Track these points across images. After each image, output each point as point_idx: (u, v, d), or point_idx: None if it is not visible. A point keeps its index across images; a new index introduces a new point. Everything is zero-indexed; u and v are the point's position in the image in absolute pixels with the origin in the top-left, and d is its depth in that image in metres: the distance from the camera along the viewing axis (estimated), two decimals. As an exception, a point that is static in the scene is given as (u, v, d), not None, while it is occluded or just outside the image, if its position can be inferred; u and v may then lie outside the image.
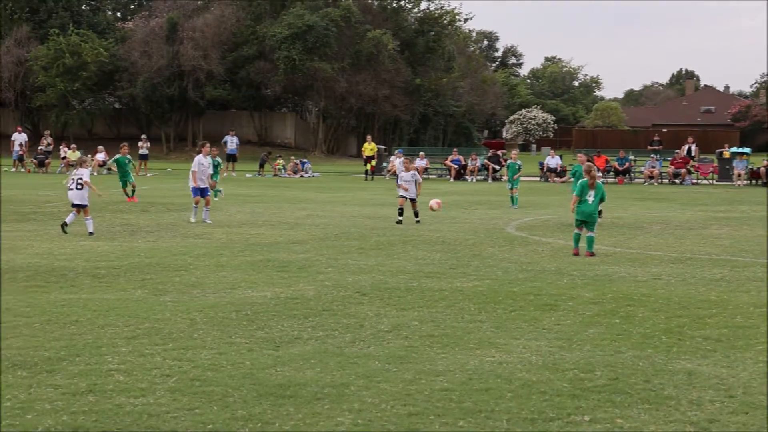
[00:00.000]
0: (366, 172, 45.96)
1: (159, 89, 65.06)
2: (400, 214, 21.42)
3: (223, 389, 7.28)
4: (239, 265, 14.18)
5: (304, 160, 51.19)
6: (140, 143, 47.70)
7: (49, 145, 49.26)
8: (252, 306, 10.82)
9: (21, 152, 48.25)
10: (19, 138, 49.05)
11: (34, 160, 47.77)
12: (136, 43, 65.61)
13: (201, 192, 21.07)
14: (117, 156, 29.01)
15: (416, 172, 22.51)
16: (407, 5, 74.76)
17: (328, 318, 10.22)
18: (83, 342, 8.83)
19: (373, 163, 46.09)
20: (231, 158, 48.19)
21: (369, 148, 46.64)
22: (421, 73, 72.54)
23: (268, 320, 10.04)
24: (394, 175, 47.84)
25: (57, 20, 68.14)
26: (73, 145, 49.83)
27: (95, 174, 45.74)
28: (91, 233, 17.96)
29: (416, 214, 21.58)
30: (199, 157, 21.39)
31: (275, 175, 47.63)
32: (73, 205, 18.44)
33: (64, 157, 48.01)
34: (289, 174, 47.66)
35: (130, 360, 8.17)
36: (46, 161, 47.38)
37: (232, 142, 48.91)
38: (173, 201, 27.44)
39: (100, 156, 47.90)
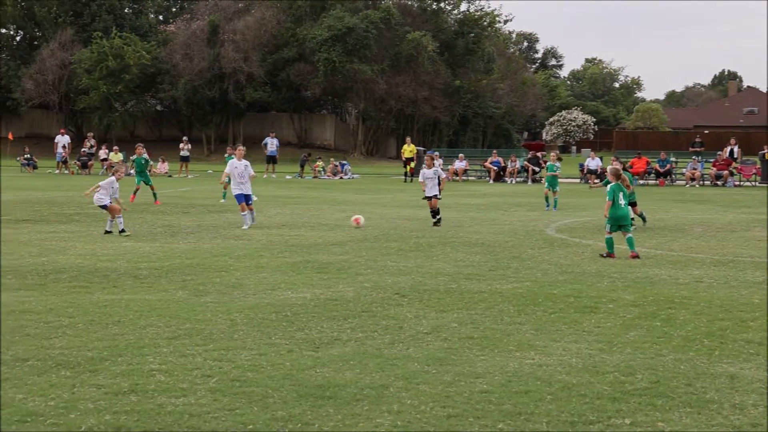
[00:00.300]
0: (405, 174, 45.98)
1: (200, 91, 65.58)
2: (434, 216, 21.37)
3: (263, 390, 7.32)
4: (279, 267, 14.25)
5: (344, 161, 51.34)
6: (181, 145, 48.13)
7: (92, 147, 49.86)
8: (292, 307, 10.87)
9: (64, 154, 48.89)
10: (63, 140, 49.72)
11: (77, 162, 48.39)
12: (178, 46, 66.20)
13: (245, 198, 20.34)
14: (133, 157, 29.17)
15: (438, 169, 22.31)
16: (447, 7, 74.71)
17: (368, 319, 10.24)
18: (125, 342, 8.92)
19: (413, 164, 46.11)
20: (271, 160, 48.46)
21: (408, 149, 46.66)
22: (460, 75, 72.46)
23: (308, 321, 10.08)
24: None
25: (100, 23, 68.95)
26: (115, 147, 50.41)
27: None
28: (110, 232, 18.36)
29: (437, 212, 21.34)
30: (232, 161, 20.99)
31: (315, 177, 47.80)
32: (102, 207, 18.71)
33: (105, 159, 48.56)
34: (328, 176, 47.82)
35: (171, 360, 8.24)
36: (89, 163, 47.95)
37: (272, 143, 49.15)
38: (214, 203, 27.65)
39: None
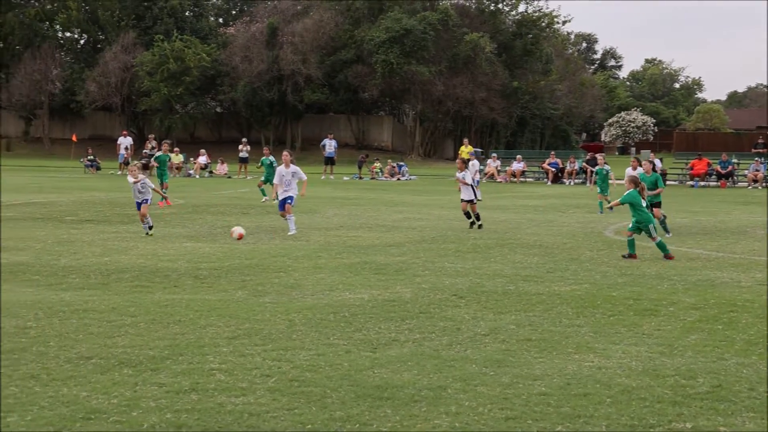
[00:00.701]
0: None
1: (259, 93, 66.12)
2: (468, 218, 21.20)
3: (321, 390, 7.37)
4: (337, 268, 14.31)
5: (401, 163, 51.38)
6: (240, 147, 48.60)
7: (153, 148, 50.52)
8: (349, 308, 10.91)
9: (126, 156, 49.66)
10: (125, 141, 50.52)
11: (139, 163, 49.07)
12: (238, 48, 66.83)
13: (284, 202, 19.51)
14: (158, 153, 29.19)
15: (467, 173, 22.00)
16: (505, 8, 74.36)
17: (425, 321, 10.24)
18: (186, 341, 9.03)
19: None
20: (329, 161, 48.68)
21: (466, 151, 46.54)
22: (518, 76, 72.09)
23: (366, 322, 10.11)
24: (491, 177, 47.80)
25: (162, 26, 69.89)
26: (176, 149, 51.04)
27: (197, 177, 46.80)
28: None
29: (477, 217, 21.13)
30: (280, 169, 19.89)
31: (372, 178, 47.92)
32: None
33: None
34: (386, 177, 47.89)
35: (231, 360, 8.33)
36: (150, 164, 48.60)
37: (330, 145, 49.37)
38: (273, 204, 27.85)
39: (202, 159, 49.01)
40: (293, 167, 19.77)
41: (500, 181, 47.32)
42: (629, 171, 22.05)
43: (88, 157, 49.82)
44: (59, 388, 7.28)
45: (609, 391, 7.43)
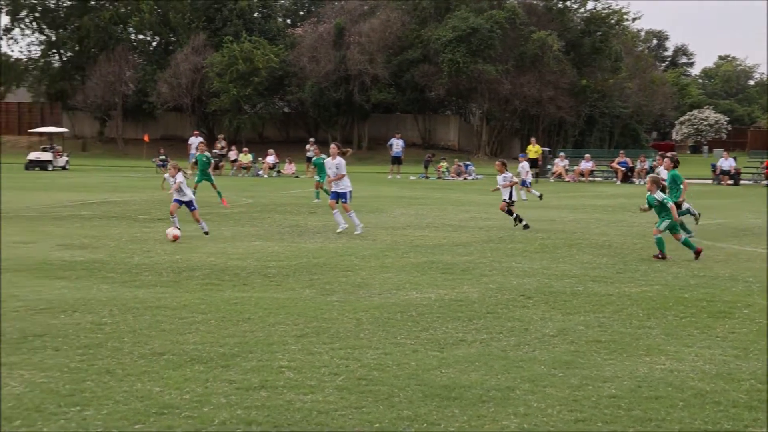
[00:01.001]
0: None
1: (326, 93, 66.51)
2: (514, 219, 20.93)
3: (389, 389, 7.39)
4: (404, 267, 14.33)
5: (468, 162, 51.23)
6: (308, 146, 48.91)
7: (223, 148, 51.22)
8: (416, 307, 10.92)
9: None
10: (196, 141, 51.15)
11: (176, 163, 49.68)
12: (305, 49, 67.29)
13: (337, 196, 19.59)
14: (196, 154, 28.84)
15: (509, 174, 21.68)
16: (573, 5, 73.67)
17: (493, 321, 10.20)
18: (255, 339, 9.13)
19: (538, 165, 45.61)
20: (396, 161, 48.74)
21: (533, 150, 46.21)
22: (587, 74, 71.35)
23: (433, 322, 10.10)
24: (559, 177, 47.40)
25: (231, 28, 70.70)
26: (245, 149, 51.60)
27: (265, 176, 47.25)
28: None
29: (515, 219, 20.88)
30: (327, 161, 20.01)
31: (439, 178, 47.86)
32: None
33: (235, 160, 49.78)
34: (452, 176, 47.80)
35: (299, 358, 8.40)
36: (220, 164, 49.23)
37: (397, 144, 49.42)
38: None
39: (270, 159, 49.47)
40: (338, 159, 19.66)
41: (568, 181, 46.90)
42: (660, 170, 21.55)
43: (160, 157, 50.61)
44: (133, 383, 7.42)
45: (681, 394, 7.32)
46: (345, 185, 19.52)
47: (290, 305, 10.98)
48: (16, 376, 7.56)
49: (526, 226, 20.47)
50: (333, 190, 19.73)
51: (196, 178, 26.90)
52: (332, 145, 20.12)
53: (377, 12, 69.47)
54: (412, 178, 47.21)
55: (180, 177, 18.40)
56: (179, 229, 17.72)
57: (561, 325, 9.98)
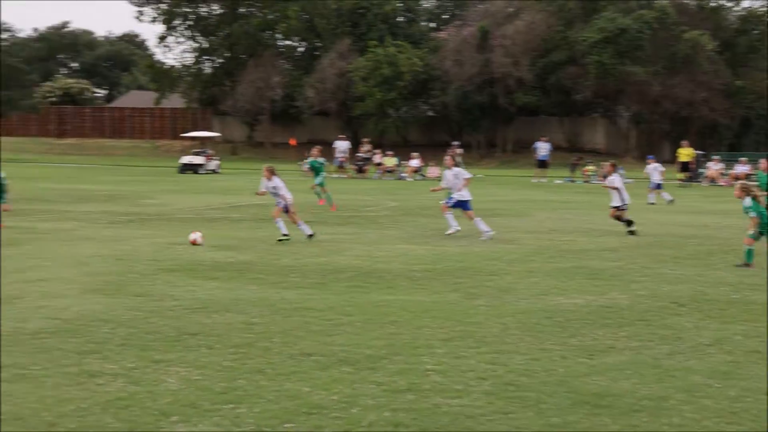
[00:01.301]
0: (682, 179, 44.22)
1: (470, 97, 66.35)
2: (626, 224, 20.16)
3: (537, 395, 7.28)
4: (550, 272, 14.12)
5: (618, 166, 50.09)
6: (452, 150, 48.86)
7: (368, 152, 51.77)
8: (564, 313, 10.74)
9: (342, 159, 51.11)
10: (342, 145, 51.98)
11: (354, 166, 50.40)
12: (449, 52, 67.29)
13: (460, 204, 19.36)
14: (310, 159, 28.90)
15: (618, 177, 20.79)
16: (728, 4, 71.12)
17: (643, 328, 9.92)
18: (401, 342, 9.16)
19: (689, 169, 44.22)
20: (542, 164, 48.18)
21: (684, 153, 44.84)
22: (742, 75, 68.72)
23: (581, 328, 9.91)
24: (713, 181, 45.80)
25: (375, 33, 71.44)
26: (389, 152, 52.00)
27: (409, 179, 47.51)
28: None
29: (626, 223, 20.05)
30: (446, 172, 19.79)
31: (585, 182, 47.03)
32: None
33: (379, 164, 50.23)
34: (599, 180, 46.85)
35: (445, 361, 8.37)
36: (365, 167, 49.79)
37: (543, 148, 48.84)
38: (485, 207, 27.88)
39: (414, 162, 49.72)
40: (455, 169, 19.63)
41: (722, 185, 45.28)
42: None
43: (307, 161, 51.55)
44: (283, 383, 7.56)
45: None
46: (465, 193, 19.31)
47: (436, 309, 10.97)
48: (173, 373, 7.82)
49: (631, 232, 19.70)
50: (455, 198, 19.31)
51: (316, 181, 27.36)
52: (446, 156, 20.22)
53: (522, 14, 68.82)
54: (557, 181, 46.55)
55: (277, 181, 18.19)
56: (287, 235, 17.61)
57: (717, 334, 9.62)
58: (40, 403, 6.90)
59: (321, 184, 27.53)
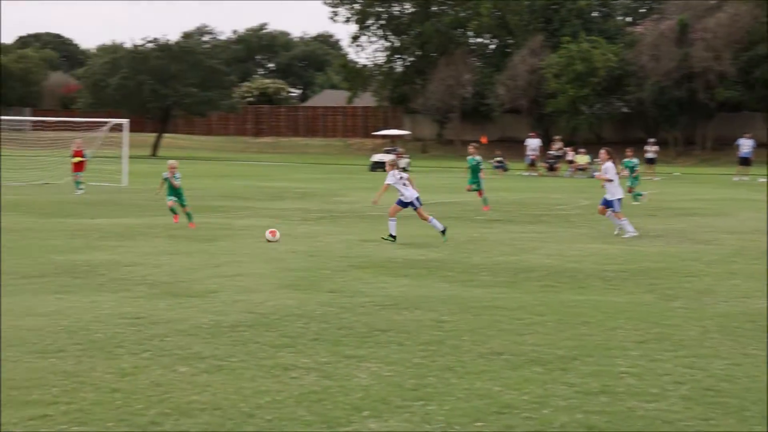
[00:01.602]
0: None
1: (667, 92, 64.26)
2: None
3: (739, 402, 6.96)
4: (753, 274, 13.48)
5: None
6: (647, 147, 47.51)
7: (559, 149, 51.05)
8: None
9: (533, 157, 50.64)
10: (533, 143, 51.52)
11: (545, 164, 49.84)
12: (645, 47, 65.42)
13: (605, 203, 18.79)
14: (468, 158, 26.98)
15: (611, 165, 18.97)
16: None
17: None
18: (593, 343, 8.97)
19: None
20: (744, 162, 46.07)
21: None
22: None
23: (787, 334, 9.39)
24: None
25: (569, 28, 70.38)
26: (581, 150, 51.08)
27: (575, 177, 46.49)
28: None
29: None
30: (608, 166, 18.98)
31: (791, 180, 44.57)
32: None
33: (571, 161, 49.42)
34: (807, 178, 44.27)
35: (640, 364, 8.13)
36: (556, 165, 49.12)
37: (745, 144, 46.71)
38: (682, 206, 26.94)
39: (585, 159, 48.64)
40: (607, 164, 18.93)
41: None
42: None
43: (496, 159, 51.37)
44: (473, 381, 7.55)
45: None
46: (613, 192, 18.61)
47: (630, 310, 10.68)
48: (364, 369, 7.94)
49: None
50: (617, 196, 18.68)
51: (470, 180, 26.07)
52: (601, 150, 19.44)
53: (725, 6, 65.98)
54: (761, 180, 44.32)
55: (397, 175, 17.93)
56: (394, 236, 17.31)
57: None
58: (237, 394, 7.16)
59: (474, 183, 25.98)
